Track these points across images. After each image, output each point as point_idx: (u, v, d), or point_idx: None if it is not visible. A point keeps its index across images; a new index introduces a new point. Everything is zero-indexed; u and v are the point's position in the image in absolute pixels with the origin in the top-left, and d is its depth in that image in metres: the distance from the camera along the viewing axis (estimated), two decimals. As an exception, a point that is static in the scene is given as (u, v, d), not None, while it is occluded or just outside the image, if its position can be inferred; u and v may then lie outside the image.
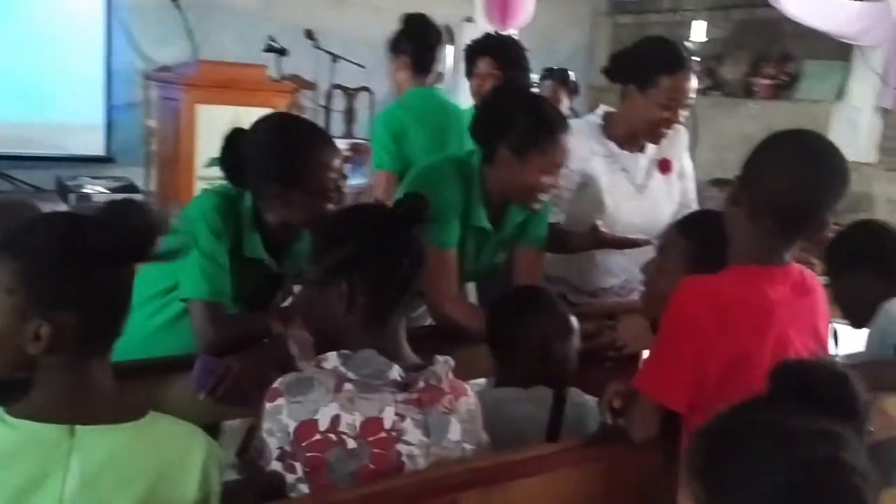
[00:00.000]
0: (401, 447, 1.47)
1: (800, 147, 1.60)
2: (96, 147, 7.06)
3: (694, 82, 2.53)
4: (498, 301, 2.01)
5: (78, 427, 1.21)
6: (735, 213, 1.60)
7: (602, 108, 2.77)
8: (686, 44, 8.33)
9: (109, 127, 7.15)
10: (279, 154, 1.99)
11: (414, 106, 3.26)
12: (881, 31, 7.23)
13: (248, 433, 2.02)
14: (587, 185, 2.64)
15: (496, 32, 4.21)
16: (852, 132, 7.25)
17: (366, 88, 7.34)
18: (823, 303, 1.68)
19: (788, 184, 1.55)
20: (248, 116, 5.87)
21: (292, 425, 1.42)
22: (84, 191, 6.39)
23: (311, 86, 7.00)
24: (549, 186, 2.28)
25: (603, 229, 2.53)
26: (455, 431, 1.51)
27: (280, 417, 1.43)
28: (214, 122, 5.44)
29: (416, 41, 3.28)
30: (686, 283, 1.58)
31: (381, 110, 3.70)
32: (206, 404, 1.89)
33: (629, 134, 2.65)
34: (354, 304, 1.51)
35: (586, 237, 2.54)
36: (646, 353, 2.30)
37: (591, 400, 1.87)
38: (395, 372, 1.48)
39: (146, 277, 2.13)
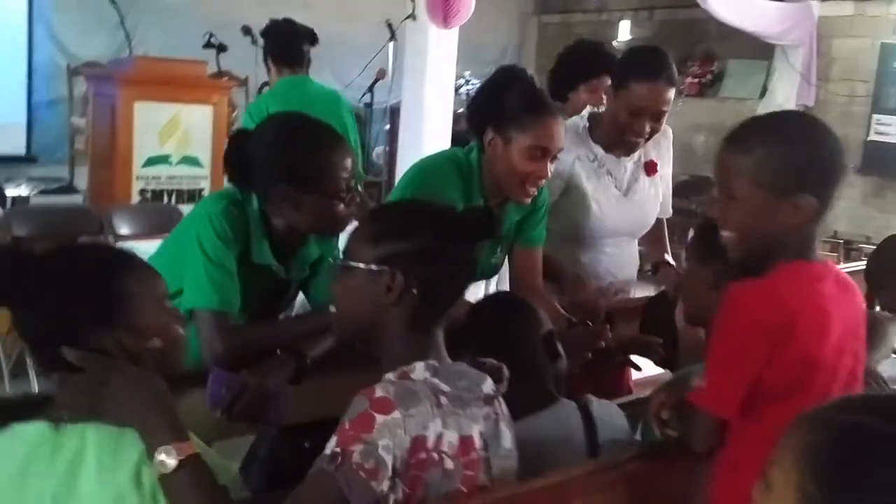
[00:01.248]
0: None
1: (802, 120, 1.61)
2: (17, 146, 6.75)
3: (669, 93, 2.50)
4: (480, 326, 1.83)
5: None
6: (766, 206, 1.50)
7: (588, 110, 2.75)
8: (613, 44, 8.58)
9: (30, 125, 6.85)
10: (289, 155, 1.91)
11: (280, 93, 3.96)
12: (802, 31, 7.51)
13: (252, 447, 1.95)
14: (572, 191, 2.62)
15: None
16: (775, 129, 7.47)
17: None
18: (861, 299, 1.63)
19: (816, 151, 1.50)
20: (189, 114, 5.72)
21: (408, 441, 1.29)
22: (7, 193, 6.12)
23: (242, 82, 6.87)
24: (537, 175, 2.20)
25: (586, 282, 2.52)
26: (507, 438, 1.44)
27: (399, 432, 1.28)
28: (152, 120, 5.32)
29: (280, 41, 4.10)
30: (745, 288, 1.48)
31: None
32: (219, 421, 1.77)
33: (615, 136, 2.63)
34: (404, 298, 1.41)
35: (574, 283, 2.51)
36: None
37: (605, 402, 1.83)
38: (489, 385, 1.41)
39: None
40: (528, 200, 2.28)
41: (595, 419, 1.74)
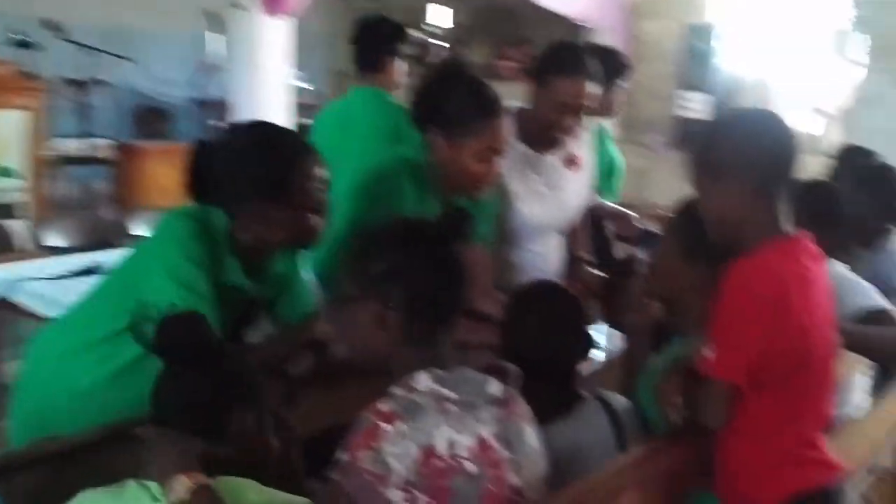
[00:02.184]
0: None
1: (757, 116, 1.73)
2: None
3: (590, 87, 2.52)
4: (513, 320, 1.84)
5: None
6: (729, 193, 1.63)
7: (511, 104, 2.70)
8: (424, 27, 8.57)
9: None
10: (259, 166, 1.81)
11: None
12: (612, 13, 7.82)
13: None
14: (498, 191, 2.56)
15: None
16: (592, 109, 7.77)
17: (101, 81, 6.70)
18: (827, 267, 1.75)
19: (773, 148, 1.65)
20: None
21: (416, 452, 1.32)
22: None
23: (47, 81, 6.30)
24: (490, 174, 2.20)
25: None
26: (531, 437, 1.46)
27: (406, 443, 1.33)
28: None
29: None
30: (742, 265, 1.60)
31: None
32: None
33: (538, 132, 2.61)
34: (387, 323, 1.45)
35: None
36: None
37: (618, 396, 1.83)
38: (495, 387, 1.43)
39: (89, 317, 1.90)
40: (477, 198, 2.26)
41: (620, 415, 1.75)
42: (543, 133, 2.60)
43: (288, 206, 1.81)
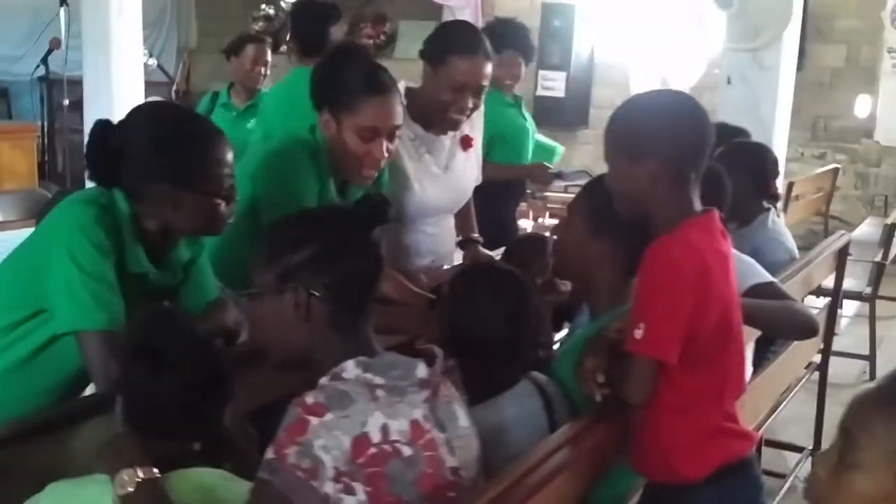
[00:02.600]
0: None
1: (673, 99, 1.75)
2: None
3: (488, 67, 2.48)
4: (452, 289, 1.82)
5: None
6: (646, 173, 1.65)
7: (403, 84, 2.62)
8: (281, 2, 8.35)
9: None
10: (167, 149, 1.74)
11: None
12: (467, -10, 7.84)
13: None
14: (393, 173, 2.51)
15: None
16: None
17: None
18: (730, 242, 1.80)
19: (692, 130, 1.67)
20: None
21: (347, 442, 1.29)
22: None
23: None
24: (372, 156, 2.15)
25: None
26: (463, 417, 1.45)
27: (336, 433, 1.29)
28: None
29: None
30: (665, 241, 1.61)
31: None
32: None
33: (433, 113, 2.55)
34: (310, 312, 1.43)
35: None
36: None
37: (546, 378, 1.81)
38: (423, 370, 1.40)
39: None
40: (369, 182, 2.20)
41: (551, 396, 1.73)
42: (439, 114, 2.54)
43: (197, 193, 1.76)
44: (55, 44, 5.64)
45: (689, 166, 1.66)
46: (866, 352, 4.50)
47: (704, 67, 7.57)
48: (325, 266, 1.43)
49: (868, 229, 5.59)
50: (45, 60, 5.64)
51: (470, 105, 2.50)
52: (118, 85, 5.20)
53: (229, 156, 1.81)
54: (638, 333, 1.60)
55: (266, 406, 1.66)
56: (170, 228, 1.81)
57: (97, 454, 1.38)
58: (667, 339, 1.58)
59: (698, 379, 1.65)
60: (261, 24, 8.96)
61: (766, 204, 2.95)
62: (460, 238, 2.90)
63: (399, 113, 2.18)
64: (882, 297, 4.72)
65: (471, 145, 2.75)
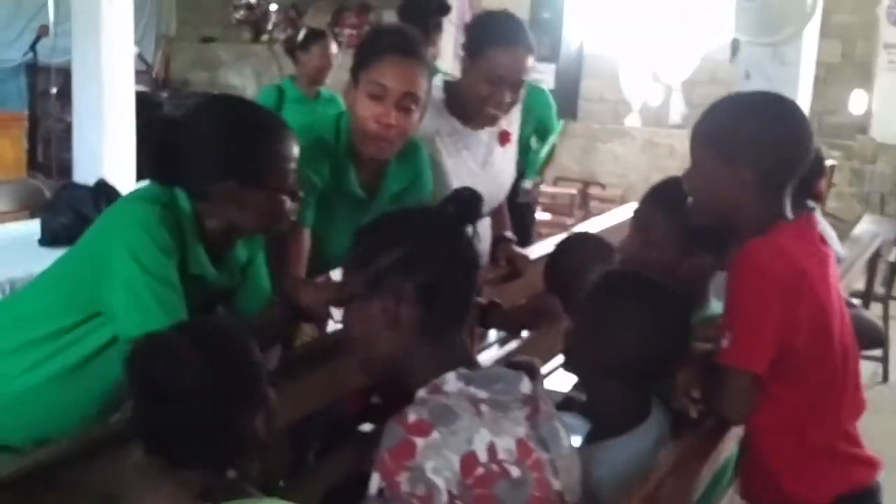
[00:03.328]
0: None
1: (775, 100, 1.64)
2: None
3: (528, 60, 2.35)
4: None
5: None
6: (712, 168, 1.56)
7: (440, 78, 2.50)
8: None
9: None
10: (234, 147, 1.66)
11: None
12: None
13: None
14: (433, 169, 2.38)
15: None
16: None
17: None
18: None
19: (796, 138, 1.57)
20: None
21: (456, 461, 1.22)
22: None
23: None
24: (377, 119, 1.98)
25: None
26: (565, 436, 1.36)
27: (445, 452, 1.21)
28: None
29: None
30: (754, 245, 1.53)
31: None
32: None
33: (471, 107, 2.42)
34: (399, 320, 1.34)
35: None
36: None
37: None
38: (527, 385, 1.33)
39: (25, 314, 1.72)
40: (383, 154, 2.06)
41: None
42: (476, 108, 2.42)
43: (263, 190, 1.68)
44: (43, 31, 5.42)
45: (788, 174, 1.56)
46: (879, 353, 4.45)
47: (690, 61, 7.52)
48: (414, 268, 1.34)
49: (865, 227, 5.55)
50: (33, 47, 5.40)
51: (507, 100, 2.38)
52: (108, 73, 5.03)
53: (295, 150, 1.73)
54: (725, 343, 1.52)
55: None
56: (234, 227, 1.72)
57: (128, 488, 1.28)
58: (753, 348, 1.50)
59: (796, 393, 1.56)
60: (242, 12, 8.77)
61: (810, 204, 2.87)
62: (493, 238, 2.78)
63: (415, 82, 2.01)
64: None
65: (508, 140, 2.63)
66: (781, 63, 4.02)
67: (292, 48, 4.63)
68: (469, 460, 1.22)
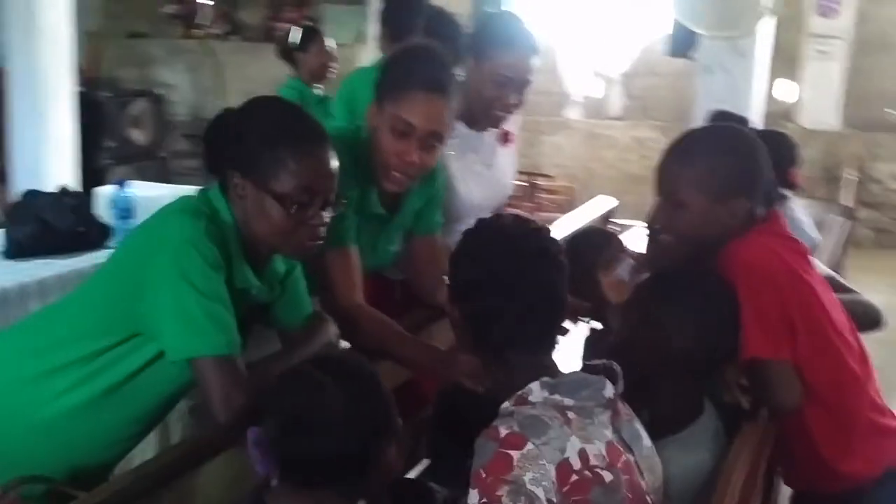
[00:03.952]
0: None
1: (734, 134, 1.76)
2: None
3: (533, 61, 2.36)
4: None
5: None
6: (707, 211, 1.65)
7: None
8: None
9: None
10: (248, 138, 1.61)
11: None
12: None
13: None
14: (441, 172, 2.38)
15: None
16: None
17: None
18: None
19: (747, 160, 1.69)
20: None
21: (552, 471, 1.24)
22: None
23: None
24: (400, 157, 1.94)
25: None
26: (645, 436, 1.40)
27: (541, 463, 1.24)
28: None
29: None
30: (742, 247, 1.62)
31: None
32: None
33: (476, 109, 2.42)
34: (458, 332, 1.45)
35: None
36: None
37: None
38: (610, 389, 1.35)
39: (55, 334, 1.65)
40: (397, 187, 2.03)
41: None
42: (482, 111, 2.41)
43: (262, 191, 1.60)
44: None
45: (767, 186, 1.70)
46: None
47: (629, 54, 7.65)
48: (473, 294, 1.39)
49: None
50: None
51: (514, 101, 2.39)
52: (45, 73, 4.82)
53: (323, 167, 1.63)
54: (743, 338, 1.60)
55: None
56: (254, 232, 1.64)
57: None
58: (767, 335, 1.58)
59: (818, 370, 1.64)
60: (172, 6, 8.54)
61: (784, 192, 2.95)
62: None
63: (442, 122, 1.98)
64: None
65: (510, 140, 2.66)
66: (739, 55, 4.12)
67: (287, 50, 4.62)
68: (564, 468, 1.24)
